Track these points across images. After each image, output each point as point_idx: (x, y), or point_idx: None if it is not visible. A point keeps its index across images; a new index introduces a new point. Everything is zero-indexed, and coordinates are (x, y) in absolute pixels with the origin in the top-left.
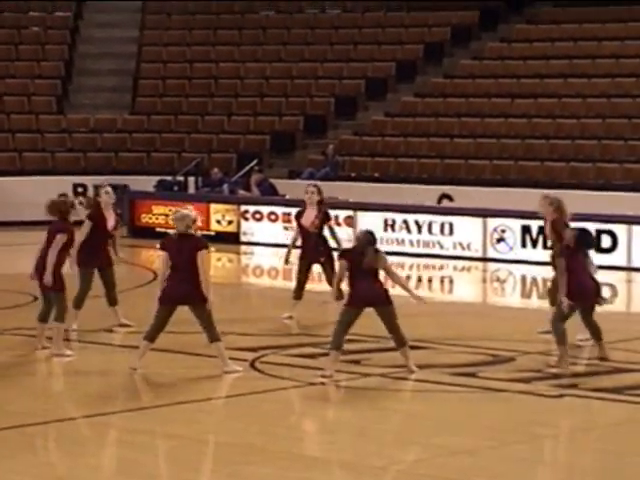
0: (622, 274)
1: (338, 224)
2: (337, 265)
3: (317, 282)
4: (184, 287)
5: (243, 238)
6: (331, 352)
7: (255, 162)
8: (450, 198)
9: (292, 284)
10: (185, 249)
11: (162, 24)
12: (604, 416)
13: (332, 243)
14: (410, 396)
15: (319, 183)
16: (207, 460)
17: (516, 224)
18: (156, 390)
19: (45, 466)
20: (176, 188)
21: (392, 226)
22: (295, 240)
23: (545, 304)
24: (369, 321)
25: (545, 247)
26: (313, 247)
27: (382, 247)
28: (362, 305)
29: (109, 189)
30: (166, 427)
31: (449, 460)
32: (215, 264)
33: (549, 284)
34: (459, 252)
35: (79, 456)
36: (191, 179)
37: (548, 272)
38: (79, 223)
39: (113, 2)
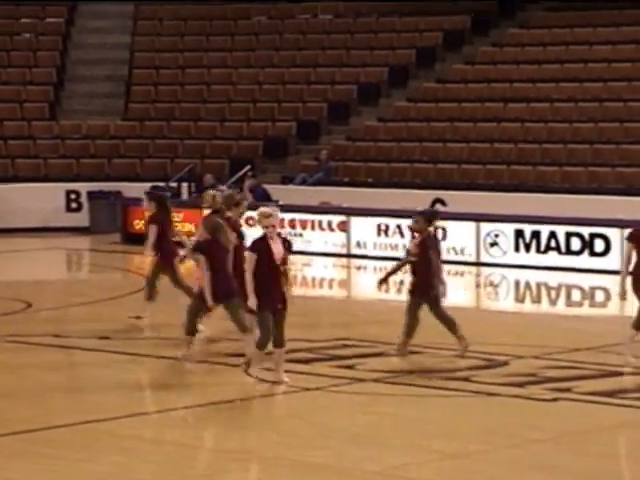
0: (615, 278)
1: (332, 229)
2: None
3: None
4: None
5: None
6: (244, 337)
7: (248, 168)
8: (443, 203)
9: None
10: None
11: (154, 30)
12: (598, 420)
13: None
14: (404, 401)
15: (312, 188)
16: (201, 466)
17: (509, 228)
18: (150, 396)
19: (41, 473)
20: (169, 194)
21: (385, 231)
22: None
23: (535, 307)
24: (364, 327)
25: (538, 251)
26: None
27: (376, 252)
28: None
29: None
30: (160, 433)
31: (443, 464)
32: None
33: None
34: (452, 257)
35: (76, 462)
36: (184, 185)
37: (541, 276)
38: None
39: (105, 8)
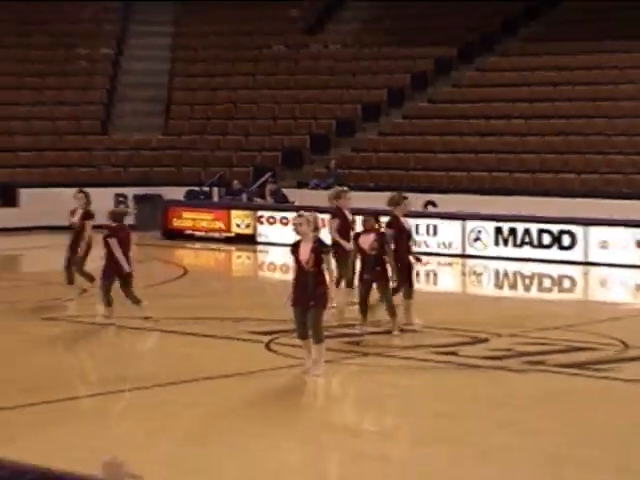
0: (580, 268)
1: None
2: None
3: None
4: None
5: (259, 239)
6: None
7: (269, 174)
8: (434, 204)
9: None
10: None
11: (190, 58)
12: (564, 387)
13: None
14: (402, 371)
15: (323, 192)
16: (231, 425)
17: (490, 226)
18: (185, 367)
19: (93, 431)
20: (202, 197)
21: None
22: None
23: (512, 292)
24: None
25: (515, 245)
26: None
27: None
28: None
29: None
30: (194, 398)
31: (434, 422)
32: (236, 261)
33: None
34: (442, 250)
35: (123, 421)
36: (215, 189)
37: (517, 266)
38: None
39: (148, 40)
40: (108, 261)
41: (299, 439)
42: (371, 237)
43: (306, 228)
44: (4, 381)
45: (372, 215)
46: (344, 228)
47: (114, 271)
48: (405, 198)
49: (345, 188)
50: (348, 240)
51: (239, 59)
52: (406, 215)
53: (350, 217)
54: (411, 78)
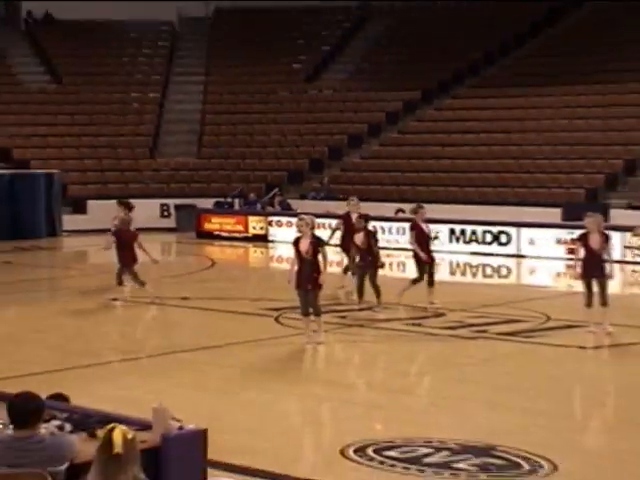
0: (514, 259)
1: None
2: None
3: None
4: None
5: (270, 238)
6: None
7: (277, 189)
8: (403, 211)
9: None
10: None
11: (217, 101)
12: (503, 350)
13: None
14: (378, 338)
15: (319, 202)
16: (245, 381)
17: (445, 227)
18: (214, 335)
19: (141, 384)
20: (226, 206)
21: None
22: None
23: (462, 278)
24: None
25: (464, 242)
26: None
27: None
28: None
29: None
30: (218, 360)
31: (404, 379)
32: (252, 255)
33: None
34: (409, 246)
35: (166, 377)
36: (236, 200)
37: (466, 258)
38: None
39: (186, 87)
40: (121, 253)
41: (299, 391)
42: (362, 235)
43: (305, 228)
44: (70, 348)
45: (362, 218)
46: (346, 230)
47: (125, 260)
48: (422, 207)
49: (353, 198)
50: (350, 239)
51: (254, 102)
52: (425, 220)
53: (354, 221)
54: (385, 115)
